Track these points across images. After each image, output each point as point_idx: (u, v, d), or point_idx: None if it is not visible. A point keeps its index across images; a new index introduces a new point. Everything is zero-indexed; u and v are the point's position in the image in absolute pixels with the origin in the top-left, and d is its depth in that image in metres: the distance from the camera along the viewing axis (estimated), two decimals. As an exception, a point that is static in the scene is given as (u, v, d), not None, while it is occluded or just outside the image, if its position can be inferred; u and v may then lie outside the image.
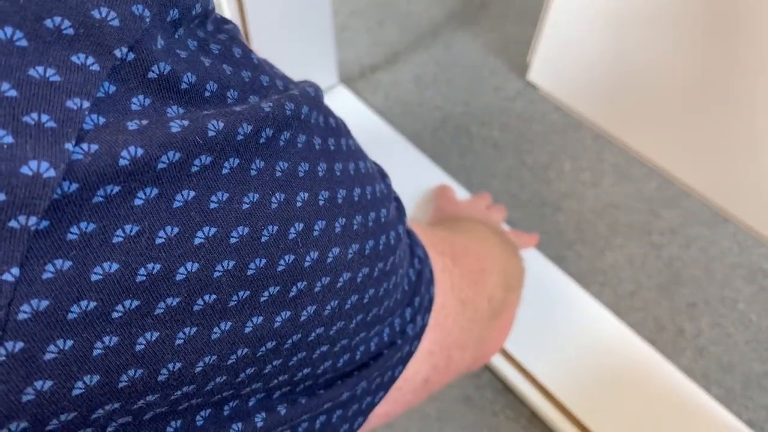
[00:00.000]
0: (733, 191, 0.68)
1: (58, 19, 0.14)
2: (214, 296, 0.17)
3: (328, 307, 0.20)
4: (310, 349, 0.20)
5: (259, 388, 0.20)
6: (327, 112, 0.22)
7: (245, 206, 0.17)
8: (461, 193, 0.69)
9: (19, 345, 0.13)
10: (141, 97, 0.15)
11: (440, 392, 0.59)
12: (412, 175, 0.70)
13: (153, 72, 0.16)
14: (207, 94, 0.17)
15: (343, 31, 0.90)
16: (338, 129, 0.23)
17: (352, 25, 0.91)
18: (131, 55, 0.15)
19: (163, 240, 0.15)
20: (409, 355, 0.27)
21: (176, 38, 0.17)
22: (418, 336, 0.27)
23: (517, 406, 0.58)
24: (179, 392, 0.17)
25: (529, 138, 0.78)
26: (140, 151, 0.15)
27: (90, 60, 0.14)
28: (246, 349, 0.18)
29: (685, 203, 0.72)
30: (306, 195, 0.19)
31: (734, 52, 0.60)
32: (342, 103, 0.78)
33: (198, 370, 0.17)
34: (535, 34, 0.78)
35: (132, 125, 0.15)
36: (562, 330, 0.59)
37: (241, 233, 0.17)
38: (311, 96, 0.21)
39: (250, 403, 0.20)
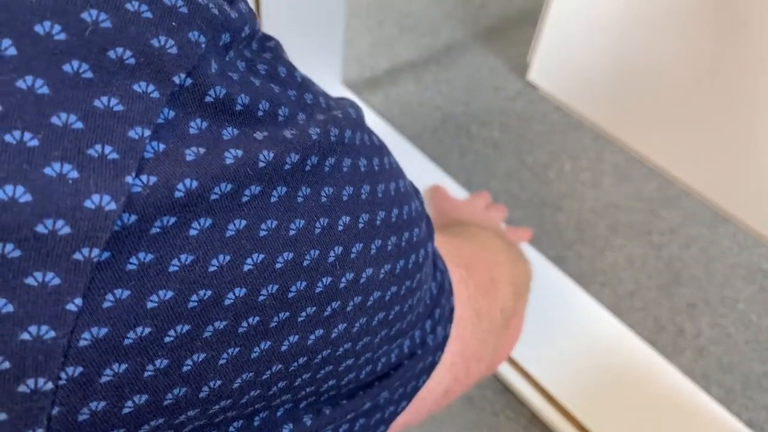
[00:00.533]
0: (733, 191, 0.68)
1: (120, 50, 0.15)
2: (257, 318, 0.17)
3: (357, 324, 0.21)
4: (337, 362, 0.21)
5: (288, 399, 0.21)
6: (369, 132, 0.23)
7: (291, 232, 0.18)
8: (461, 194, 0.69)
9: (79, 369, 0.14)
10: (198, 120, 0.16)
11: (440, 392, 0.59)
12: (412, 176, 0.70)
13: (210, 96, 0.16)
14: (260, 113, 0.18)
15: (344, 31, 0.90)
16: (381, 148, 0.23)
17: (352, 25, 0.91)
18: (189, 81, 0.16)
19: (216, 268, 0.16)
20: (433, 365, 0.28)
21: (227, 61, 0.18)
22: (440, 346, 0.28)
23: (517, 406, 0.58)
24: (217, 406, 0.18)
25: (529, 138, 0.78)
26: (195, 183, 0.15)
27: (150, 87, 0.15)
28: (280, 365, 0.19)
29: (685, 203, 0.72)
30: (348, 219, 0.20)
31: (734, 52, 0.60)
32: (342, 103, 0.78)
33: (236, 386, 0.18)
34: (535, 34, 0.78)
35: (189, 154, 0.15)
36: (561, 330, 0.59)
37: (286, 258, 0.18)
38: (353, 118, 0.21)
39: (279, 414, 0.21)
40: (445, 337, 0.28)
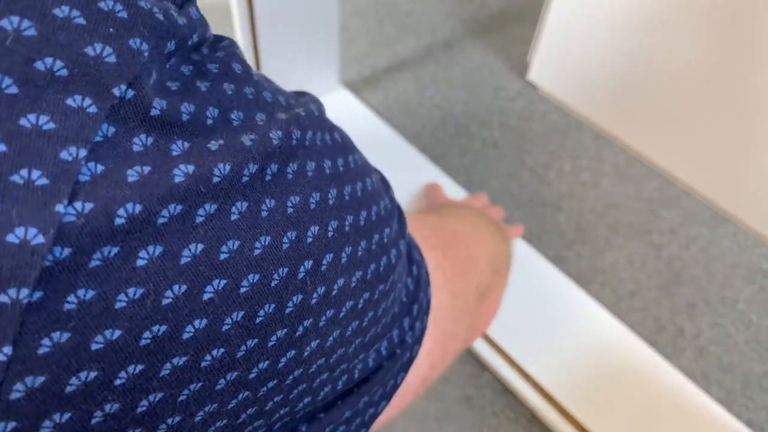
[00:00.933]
0: (733, 191, 0.68)
1: (49, 60, 0.13)
2: (222, 350, 0.16)
3: (330, 339, 0.20)
4: (311, 379, 0.20)
5: (260, 424, 0.19)
6: (332, 128, 0.21)
7: (257, 251, 0.16)
8: (461, 194, 0.69)
9: (11, 425, 0.13)
10: (143, 136, 0.14)
11: (440, 392, 0.59)
12: (412, 176, 0.70)
13: (155, 108, 0.15)
14: (209, 121, 0.16)
15: (343, 31, 0.90)
16: (344, 146, 0.22)
17: (352, 25, 0.91)
18: (130, 93, 0.14)
19: (170, 300, 0.14)
20: (411, 360, 0.27)
21: (168, 68, 0.16)
22: (418, 340, 0.27)
23: (517, 406, 0.58)
24: None
25: (529, 138, 0.78)
26: (138, 207, 0.14)
27: (87, 102, 0.13)
28: (247, 393, 0.17)
29: (685, 203, 0.72)
30: (317, 228, 0.18)
31: (734, 52, 0.60)
32: (341, 103, 0.78)
33: (198, 419, 0.16)
34: (535, 34, 0.78)
35: (132, 175, 0.14)
36: (561, 330, 0.59)
37: (251, 281, 0.16)
38: (316, 116, 0.20)
39: None
40: (423, 330, 0.27)
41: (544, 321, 0.60)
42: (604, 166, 0.76)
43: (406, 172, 0.70)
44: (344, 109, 0.77)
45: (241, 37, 0.59)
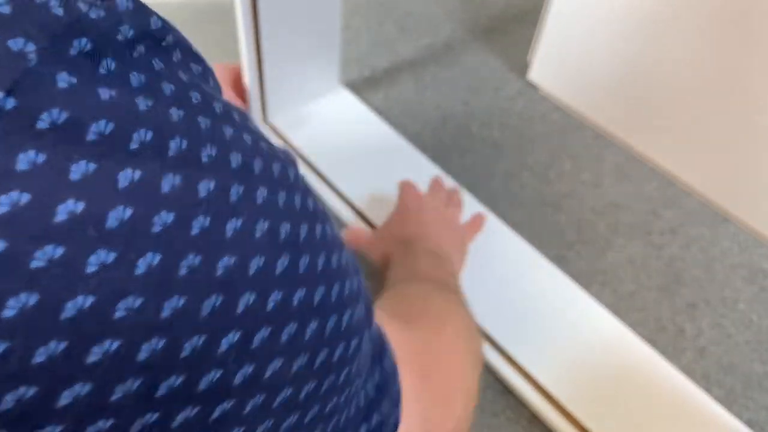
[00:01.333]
0: (733, 191, 0.68)
1: None
2: (111, 421, 0.14)
3: (260, 429, 0.17)
4: None
5: None
6: (305, 193, 0.19)
7: (165, 314, 0.14)
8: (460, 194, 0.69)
9: None
10: (31, 153, 0.12)
11: (440, 393, 0.59)
12: (411, 176, 0.70)
13: (43, 121, 0.13)
14: (134, 145, 0.14)
15: (343, 30, 0.90)
16: (315, 214, 0.19)
17: (352, 24, 0.91)
18: (11, 102, 0.12)
19: (74, 313, 0.13)
20: None
21: (103, 74, 0.14)
22: None
23: (518, 407, 0.58)
24: None
25: (529, 138, 0.78)
26: (2, 244, 0.12)
27: None
28: None
29: (685, 203, 0.72)
30: (253, 297, 0.16)
31: (735, 52, 0.60)
32: (341, 103, 0.78)
33: None
34: (535, 34, 0.78)
35: (3, 204, 0.12)
36: (561, 330, 0.59)
37: (155, 347, 0.14)
38: (275, 177, 0.17)
39: None
40: None
41: (545, 321, 0.60)
42: (604, 166, 0.76)
43: (406, 172, 0.70)
44: (344, 109, 0.77)
45: (243, 37, 0.59)
